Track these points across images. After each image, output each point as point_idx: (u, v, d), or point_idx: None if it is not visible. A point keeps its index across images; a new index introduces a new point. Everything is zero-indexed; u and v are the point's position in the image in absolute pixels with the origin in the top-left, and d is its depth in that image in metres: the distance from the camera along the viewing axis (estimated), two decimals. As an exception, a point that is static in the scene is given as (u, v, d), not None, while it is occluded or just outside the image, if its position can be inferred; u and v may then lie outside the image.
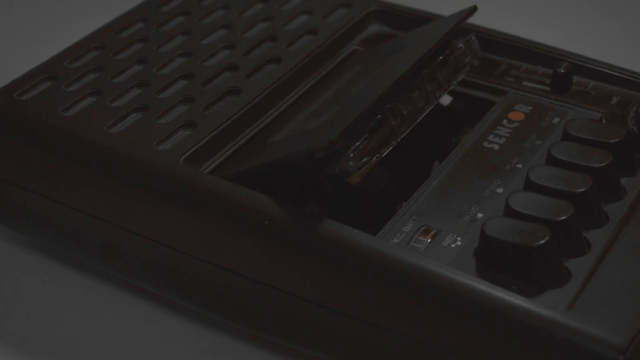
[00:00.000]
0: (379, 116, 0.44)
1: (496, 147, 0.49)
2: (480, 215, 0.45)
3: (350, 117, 0.43)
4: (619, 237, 0.44)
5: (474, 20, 0.52)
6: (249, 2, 0.58)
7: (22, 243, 0.55)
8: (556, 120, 0.50)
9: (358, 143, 0.43)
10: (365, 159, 0.43)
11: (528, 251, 0.41)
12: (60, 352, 0.49)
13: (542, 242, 0.41)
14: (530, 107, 0.51)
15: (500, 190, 0.46)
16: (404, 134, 0.45)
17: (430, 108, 0.47)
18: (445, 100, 0.53)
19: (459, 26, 0.49)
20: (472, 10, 0.49)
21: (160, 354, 0.49)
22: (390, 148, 0.44)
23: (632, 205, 0.45)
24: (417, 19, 0.56)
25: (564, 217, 0.43)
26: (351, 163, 0.43)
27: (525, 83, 0.53)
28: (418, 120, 0.46)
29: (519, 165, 0.47)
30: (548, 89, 0.52)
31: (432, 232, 0.44)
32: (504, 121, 0.50)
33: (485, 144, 0.49)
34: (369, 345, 0.43)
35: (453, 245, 0.44)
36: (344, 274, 0.42)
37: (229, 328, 0.49)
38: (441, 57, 0.48)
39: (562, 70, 0.52)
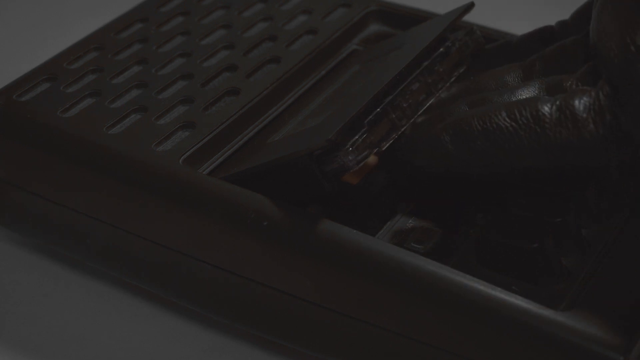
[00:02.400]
0: (379, 110, 0.44)
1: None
2: (479, 215, 0.45)
3: (347, 115, 0.43)
4: (619, 237, 0.44)
5: (472, 19, 0.52)
6: (249, 2, 0.58)
7: (21, 243, 0.55)
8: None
9: (357, 137, 0.43)
10: (365, 153, 0.43)
11: (527, 251, 0.41)
12: (60, 352, 0.49)
13: (542, 242, 0.41)
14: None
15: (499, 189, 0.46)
16: (405, 127, 0.45)
17: (431, 101, 0.46)
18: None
19: (456, 23, 0.48)
20: (469, 6, 0.49)
21: (160, 354, 0.49)
22: (391, 141, 0.44)
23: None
24: (417, 19, 0.56)
25: (563, 217, 0.43)
26: (350, 157, 0.42)
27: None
28: (419, 113, 0.46)
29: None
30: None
31: (432, 232, 0.44)
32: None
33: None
34: (368, 345, 0.43)
35: (452, 246, 0.44)
36: (343, 275, 0.42)
37: (229, 328, 0.49)
38: (442, 49, 0.48)
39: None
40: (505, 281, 0.41)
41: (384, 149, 0.44)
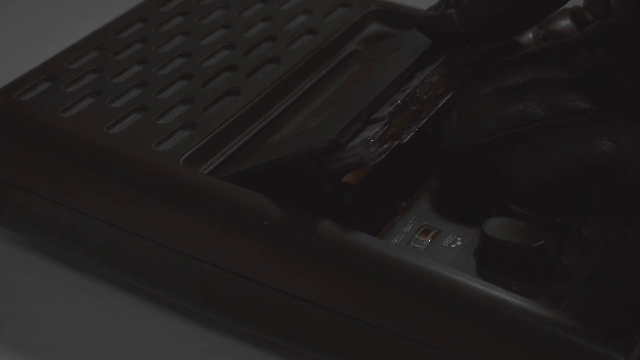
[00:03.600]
0: (399, 102, 0.44)
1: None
2: (480, 215, 0.45)
3: (348, 116, 0.43)
4: (619, 237, 0.44)
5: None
6: (249, 2, 0.58)
7: (21, 243, 0.55)
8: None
9: (378, 129, 0.42)
10: (386, 145, 0.42)
11: (528, 251, 0.41)
12: (60, 352, 0.49)
13: (543, 242, 0.41)
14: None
15: (500, 190, 0.46)
16: (426, 119, 0.45)
17: (451, 94, 0.46)
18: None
19: None
20: None
21: (160, 354, 0.49)
22: (412, 133, 0.44)
23: None
24: (417, 19, 0.56)
25: (564, 217, 0.43)
26: (372, 149, 0.42)
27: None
28: (440, 105, 0.45)
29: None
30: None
31: (432, 232, 0.44)
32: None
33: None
34: (368, 345, 0.43)
35: (453, 246, 0.44)
36: (344, 275, 0.42)
37: (229, 328, 0.49)
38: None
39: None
40: (506, 281, 0.41)
41: (405, 141, 0.43)
